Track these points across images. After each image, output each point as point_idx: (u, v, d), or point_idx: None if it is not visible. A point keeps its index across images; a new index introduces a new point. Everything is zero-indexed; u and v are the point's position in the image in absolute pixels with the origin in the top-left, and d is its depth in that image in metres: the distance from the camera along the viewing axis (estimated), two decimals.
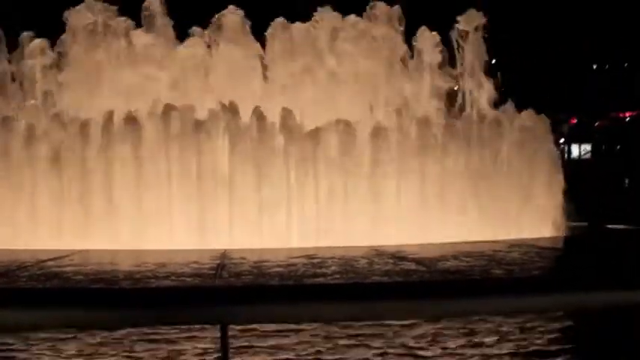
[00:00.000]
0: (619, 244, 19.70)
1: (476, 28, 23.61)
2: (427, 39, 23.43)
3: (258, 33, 23.11)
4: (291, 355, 8.11)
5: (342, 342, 8.65)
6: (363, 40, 23.14)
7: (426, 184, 21.02)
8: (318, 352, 8.27)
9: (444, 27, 23.84)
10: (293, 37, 22.94)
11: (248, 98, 21.09)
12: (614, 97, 52.29)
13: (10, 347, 8.32)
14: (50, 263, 15.68)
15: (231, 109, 20.32)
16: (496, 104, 23.31)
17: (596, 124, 54.33)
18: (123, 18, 22.88)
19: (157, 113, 20.37)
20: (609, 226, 23.26)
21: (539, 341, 8.71)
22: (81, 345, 8.51)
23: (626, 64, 53.19)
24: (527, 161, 21.99)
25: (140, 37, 22.78)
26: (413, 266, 15.06)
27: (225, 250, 17.80)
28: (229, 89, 21.50)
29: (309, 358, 8.06)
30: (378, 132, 20.89)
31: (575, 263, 16.30)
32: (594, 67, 55.04)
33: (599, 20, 48.65)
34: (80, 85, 22.11)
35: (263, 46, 23.04)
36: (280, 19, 23.11)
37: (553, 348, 8.44)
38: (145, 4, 23.07)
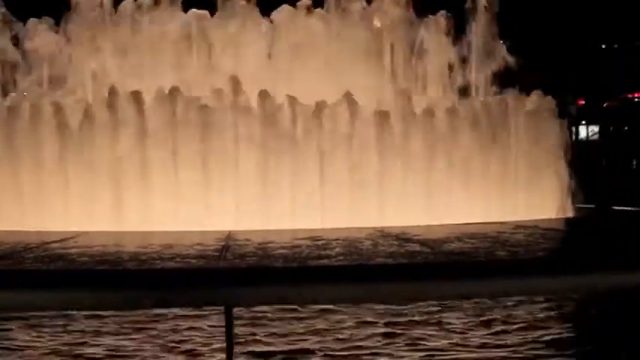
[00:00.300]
0: (624, 225, 19.69)
1: (485, 8, 23.57)
2: (437, 19, 23.40)
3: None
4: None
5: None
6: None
7: (431, 168, 21.00)
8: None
9: (454, 7, 23.78)
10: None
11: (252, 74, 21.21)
12: (622, 78, 52.09)
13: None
14: (55, 245, 15.72)
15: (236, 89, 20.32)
16: (504, 85, 23.28)
17: (605, 105, 54.17)
18: None
19: (162, 95, 20.34)
20: (616, 207, 23.24)
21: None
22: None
23: (635, 45, 52.93)
24: (533, 143, 21.96)
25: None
26: (417, 248, 15.07)
27: (230, 231, 17.82)
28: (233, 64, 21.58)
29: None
30: (382, 113, 20.88)
31: (579, 245, 16.30)
32: (603, 47, 54.77)
33: (608, 0, 48.43)
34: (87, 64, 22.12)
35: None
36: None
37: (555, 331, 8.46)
38: None
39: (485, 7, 23.47)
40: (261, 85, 20.73)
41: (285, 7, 22.88)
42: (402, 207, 20.15)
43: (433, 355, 7.36)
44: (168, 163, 20.01)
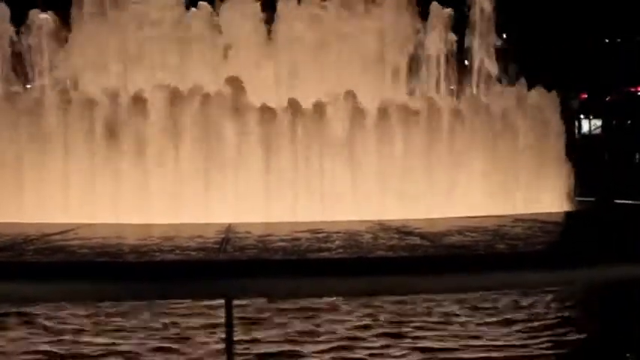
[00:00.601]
0: (625, 219, 19.69)
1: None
2: (439, 13, 23.37)
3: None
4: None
5: None
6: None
7: (432, 162, 21.00)
8: None
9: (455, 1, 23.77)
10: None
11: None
12: (625, 72, 52.03)
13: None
14: (56, 237, 15.74)
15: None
16: (506, 80, 23.26)
17: (607, 99, 54.13)
18: None
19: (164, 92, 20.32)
20: (617, 201, 23.25)
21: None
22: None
23: (638, 39, 52.85)
24: (535, 138, 21.97)
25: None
26: (418, 241, 15.09)
27: (230, 224, 17.84)
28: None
29: None
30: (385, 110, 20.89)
31: (578, 238, 16.32)
32: (606, 41, 54.70)
33: None
34: (88, 55, 22.10)
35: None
36: None
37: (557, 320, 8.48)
38: None
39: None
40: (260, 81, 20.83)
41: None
42: (402, 201, 20.14)
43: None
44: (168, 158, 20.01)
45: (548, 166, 21.87)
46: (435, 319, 8.57)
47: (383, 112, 20.81)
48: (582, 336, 8.19)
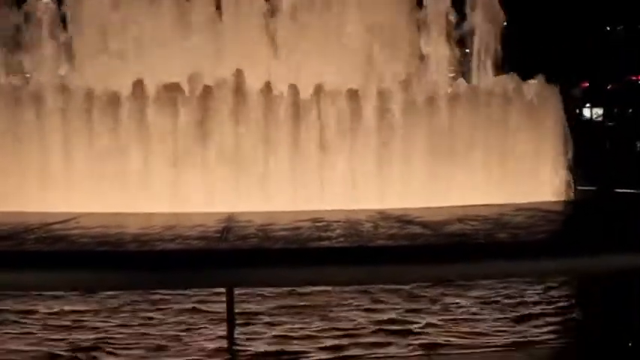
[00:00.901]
0: (625, 208, 19.69)
1: None
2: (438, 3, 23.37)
3: None
4: None
5: None
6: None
7: (433, 150, 20.99)
8: None
9: None
10: None
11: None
12: (627, 61, 51.94)
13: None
14: (57, 226, 15.75)
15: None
16: (506, 69, 23.24)
17: (609, 87, 54.07)
18: None
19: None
20: (618, 190, 23.24)
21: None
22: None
23: (639, 27, 52.74)
24: (536, 127, 21.96)
25: None
26: (418, 230, 15.09)
27: (232, 213, 17.84)
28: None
29: None
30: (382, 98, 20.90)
31: (579, 227, 16.32)
32: (607, 29, 54.59)
33: None
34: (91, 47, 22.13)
35: None
36: None
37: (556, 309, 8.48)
38: None
39: None
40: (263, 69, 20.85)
41: None
42: (404, 190, 20.15)
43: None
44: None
45: (547, 155, 21.89)
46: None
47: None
48: (583, 325, 8.19)
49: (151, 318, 8.14)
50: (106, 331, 7.64)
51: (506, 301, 8.79)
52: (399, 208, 18.58)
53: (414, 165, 20.64)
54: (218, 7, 22.73)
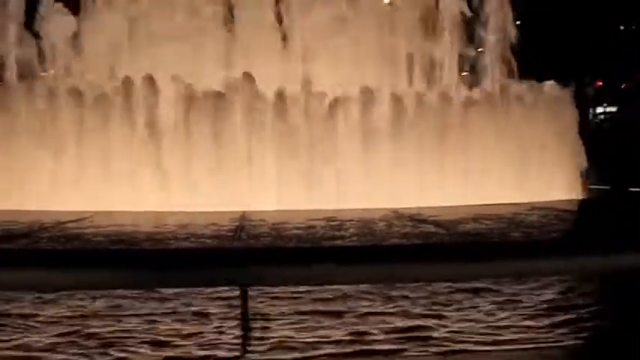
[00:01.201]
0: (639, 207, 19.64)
1: None
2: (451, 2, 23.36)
3: None
4: None
5: None
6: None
7: (444, 150, 21.00)
8: None
9: None
10: None
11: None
12: None
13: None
14: (71, 225, 15.80)
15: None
16: (518, 69, 23.21)
17: (623, 86, 53.85)
18: None
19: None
20: (632, 189, 23.18)
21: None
22: None
23: None
24: (549, 126, 21.95)
25: None
26: (432, 229, 15.07)
27: (245, 211, 17.86)
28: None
29: None
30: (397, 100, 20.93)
31: (592, 226, 16.28)
32: (621, 28, 54.37)
33: None
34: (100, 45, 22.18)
35: None
36: None
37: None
38: None
39: None
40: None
41: None
42: (417, 191, 20.16)
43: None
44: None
45: (561, 153, 21.89)
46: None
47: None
48: (598, 325, 8.17)
49: (163, 314, 8.15)
50: (116, 329, 7.65)
51: (519, 300, 8.78)
52: (413, 207, 18.57)
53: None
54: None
